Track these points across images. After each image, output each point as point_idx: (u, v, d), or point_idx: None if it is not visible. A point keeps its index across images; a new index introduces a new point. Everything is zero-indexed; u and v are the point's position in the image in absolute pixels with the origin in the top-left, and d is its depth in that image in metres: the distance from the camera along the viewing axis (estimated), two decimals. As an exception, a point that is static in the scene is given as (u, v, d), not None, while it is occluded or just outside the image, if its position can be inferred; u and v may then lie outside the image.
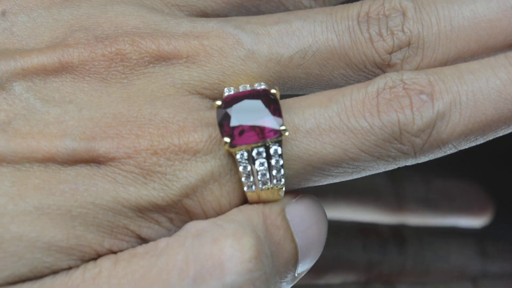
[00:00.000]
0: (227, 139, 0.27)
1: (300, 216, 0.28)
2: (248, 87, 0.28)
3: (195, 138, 0.27)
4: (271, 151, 0.27)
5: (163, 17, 0.29)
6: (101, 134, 0.27)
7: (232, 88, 0.28)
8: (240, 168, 0.27)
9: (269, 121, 0.27)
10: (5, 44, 0.29)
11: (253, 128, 0.27)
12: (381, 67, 0.29)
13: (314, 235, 0.28)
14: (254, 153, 0.27)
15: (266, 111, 0.27)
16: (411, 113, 0.27)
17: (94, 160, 0.27)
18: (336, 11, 0.29)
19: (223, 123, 0.27)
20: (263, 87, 0.28)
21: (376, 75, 0.29)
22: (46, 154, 0.27)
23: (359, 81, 0.29)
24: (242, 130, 0.27)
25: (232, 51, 0.29)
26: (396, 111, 0.27)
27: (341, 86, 0.29)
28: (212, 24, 0.29)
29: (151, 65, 0.28)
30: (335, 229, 0.41)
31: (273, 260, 0.27)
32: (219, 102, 0.28)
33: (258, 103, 0.28)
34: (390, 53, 0.29)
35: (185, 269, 0.26)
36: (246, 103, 0.28)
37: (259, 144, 0.27)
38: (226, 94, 0.28)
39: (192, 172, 0.27)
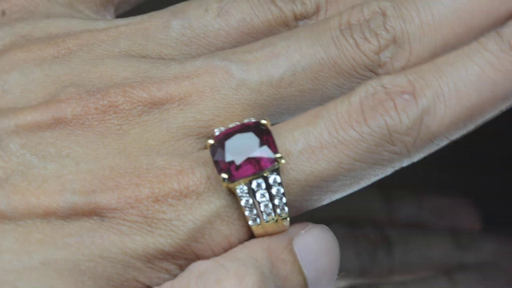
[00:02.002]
0: (224, 175, 0.27)
1: (309, 247, 0.28)
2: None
3: (195, 180, 0.28)
4: (270, 180, 0.28)
5: (152, 64, 0.30)
6: (101, 186, 0.27)
7: (222, 128, 0.29)
8: (242, 202, 0.28)
9: (263, 152, 0.27)
10: None
11: (249, 161, 0.27)
12: (372, 69, 0.29)
13: (324, 265, 0.28)
14: (253, 185, 0.28)
15: (259, 142, 0.28)
16: (397, 114, 0.28)
17: (96, 213, 0.27)
18: (318, 25, 0.30)
19: (218, 160, 0.28)
20: (253, 120, 0.28)
21: (368, 78, 0.29)
22: (47, 210, 0.27)
23: (352, 88, 0.29)
24: (238, 165, 0.27)
25: (223, 83, 0.29)
26: (381, 115, 0.28)
27: (333, 96, 0.29)
28: (200, 62, 0.29)
29: (145, 113, 0.29)
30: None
31: None
32: (211, 141, 0.28)
33: (250, 135, 0.28)
34: (378, 53, 0.29)
35: None
36: (238, 137, 0.28)
37: (257, 175, 0.27)
38: (217, 133, 0.28)
39: (197, 214, 0.27)
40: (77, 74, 0.29)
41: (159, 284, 0.27)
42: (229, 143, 0.28)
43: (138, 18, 0.31)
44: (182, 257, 0.28)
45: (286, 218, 0.28)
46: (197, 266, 0.27)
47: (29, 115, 0.28)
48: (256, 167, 0.27)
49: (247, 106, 0.29)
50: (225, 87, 0.29)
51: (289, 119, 0.29)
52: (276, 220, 0.28)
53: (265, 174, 0.28)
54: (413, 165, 0.29)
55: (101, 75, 0.29)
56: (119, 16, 0.33)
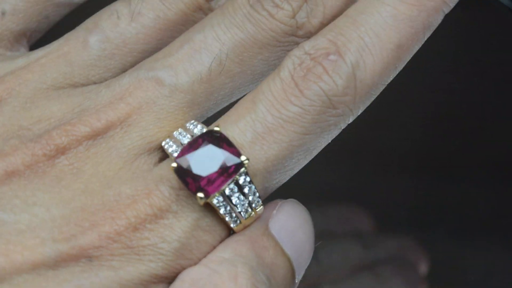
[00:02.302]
0: (200, 195, 0.27)
1: (284, 225, 0.28)
2: (184, 133, 0.28)
3: (165, 200, 0.27)
4: (241, 182, 0.27)
5: (84, 95, 0.29)
6: (78, 229, 0.27)
7: (169, 140, 0.28)
8: (221, 211, 0.27)
9: (229, 160, 0.27)
10: None
11: (217, 172, 0.27)
12: (292, 33, 0.29)
13: (302, 238, 0.28)
14: (227, 192, 0.27)
15: (220, 151, 0.27)
16: (329, 77, 0.28)
17: (83, 255, 0.26)
18: (227, 7, 0.30)
19: (187, 180, 0.27)
20: (199, 127, 0.28)
21: (292, 43, 0.29)
22: (34, 263, 0.26)
23: (279, 57, 0.29)
24: (208, 179, 0.27)
25: (156, 94, 0.29)
26: (315, 82, 0.28)
27: (265, 72, 0.29)
28: (127, 79, 0.29)
29: (92, 147, 0.28)
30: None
31: (271, 282, 0.28)
32: (174, 164, 0.27)
33: (210, 148, 0.27)
34: (294, 17, 0.29)
35: None
36: (200, 153, 0.27)
37: (229, 183, 0.27)
38: (170, 150, 0.28)
39: (179, 232, 0.27)
40: (14, 123, 0.29)
41: None
42: (193, 161, 0.27)
43: (55, 45, 0.30)
44: (175, 276, 0.27)
45: (260, 208, 0.28)
46: (188, 275, 0.27)
47: None
48: (226, 177, 0.27)
49: (186, 109, 0.29)
50: (160, 97, 0.29)
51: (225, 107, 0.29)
52: (252, 214, 0.28)
53: (235, 180, 0.27)
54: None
55: (38, 120, 0.29)
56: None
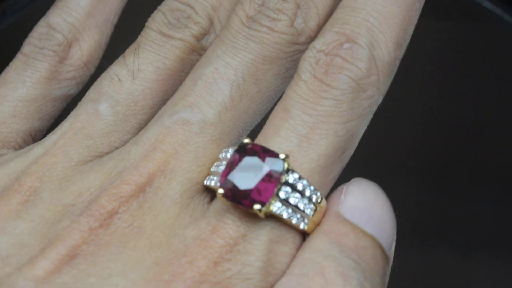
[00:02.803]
0: (257, 207, 0.27)
1: (356, 207, 0.28)
2: (219, 163, 0.28)
3: (232, 227, 0.27)
4: (291, 181, 0.27)
5: (114, 160, 0.29)
6: (161, 284, 0.26)
7: (209, 176, 0.28)
8: (285, 216, 0.27)
9: (268, 163, 0.27)
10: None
11: (263, 181, 0.27)
12: (295, 42, 0.30)
13: (379, 213, 0.28)
14: (282, 195, 0.27)
15: (257, 159, 0.27)
16: (350, 64, 0.28)
17: None
18: (225, 36, 0.30)
19: (239, 200, 0.27)
20: (230, 150, 0.28)
21: (296, 52, 0.30)
22: None
23: (287, 69, 0.30)
24: (258, 189, 0.27)
25: (188, 134, 0.29)
26: (340, 72, 0.28)
27: (278, 86, 0.30)
28: (152, 131, 0.29)
29: (145, 202, 0.28)
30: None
31: (361, 265, 0.27)
32: (221, 191, 0.27)
33: (248, 160, 0.27)
34: (292, 25, 0.30)
35: None
36: (239, 168, 0.27)
37: (279, 186, 0.27)
38: (213, 184, 0.28)
39: (256, 252, 0.27)
40: (57, 205, 0.28)
41: None
42: (236, 179, 0.27)
43: (66, 125, 0.30)
44: None
45: (322, 200, 0.28)
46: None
47: (42, 263, 0.26)
48: (274, 181, 0.27)
49: (219, 141, 0.29)
50: (192, 136, 0.29)
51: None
52: (317, 208, 0.28)
53: (284, 181, 0.27)
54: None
55: (79, 194, 0.28)
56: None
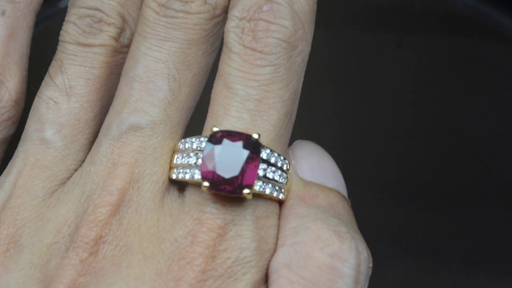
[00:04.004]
0: (246, 191, 0.27)
1: (312, 167, 0.29)
2: (183, 154, 0.29)
3: (217, 216, 0.28)
4: (265, 157, 0.28)
5: (78, 186, 0.29)
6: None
7: (176, 170, 0.29)
8: (267, 192, 0.28)
9: (246, 146, 0.28)
10: None
11: (244, 163, 0.28)
12: (213, 16, 0.30)
13: (330, 166, 0.30)
14: (261, 173, 0.28)
15: (233, 145, 0.28)
16: (276, 25, 0.28)
17: None
18: (143, 30, 0.30)
19: (224, 188, 0.27)
20: (195, 141, 0.29)
21: (215, 25, 0.30)
22: None
23: (211, 44, 0.30)
24: (241, 174, 0.28)
25: (141, 139, 0.29)
26: (268, 36, 0.28)
27: (207, 63, 0.30)
28: (105, 147, 0.29)
29: (123, 219, 0.28)
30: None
31: (342, 220, 0.28)
32: (206, 184, 0.27)
33: (224, 148, 0.28)
34: (206, 2, 0.30)
35: None
36: (219, 159, 0.28)
37: (259, 165, 0.28)
38: (187, 177, 0.28)
39: (247, 233, 0.28)
40: (40, 247, 0.28)
41: None
42: (220, 169, 0.27)
43: (18, 163, 0.30)
44: (266, 272, 0.28)
45: (290, 166, 0.29)
46: (278, 263, 0.28)
47: None
48: (253, 161, 0.28)
49: (172, 134, 0.29)
50: (146, 141, 0.29)
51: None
52: (287, 176, 0.29)
53: (261, 159, 0.28)
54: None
55: (57, 231, 0.28)
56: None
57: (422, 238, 0.41)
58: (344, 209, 0.29)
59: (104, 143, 0.29)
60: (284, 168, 0.29)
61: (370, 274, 0.28)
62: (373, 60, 0.41)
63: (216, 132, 0.28)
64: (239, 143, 0.28)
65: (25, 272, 0.28)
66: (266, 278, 0.28)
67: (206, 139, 0.28)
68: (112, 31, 0.31)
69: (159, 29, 0.30)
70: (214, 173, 0.28)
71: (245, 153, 0.28)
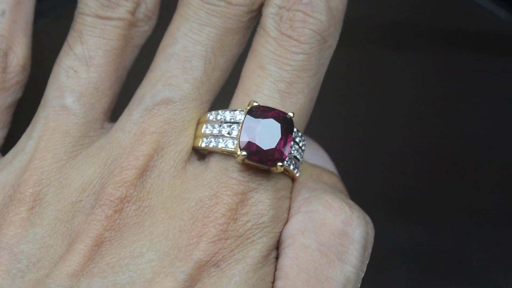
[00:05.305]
0: (280, 164, 0.29)
1: (312, 154, 0.33)
2: (214, 125, 0.30)
3: (242, 183, 0.29)
4: (293, 135, 0.30)
5: (104, 150, 0.30)
6: (191, 248, 0.29)
7: (205, 138, 0.30)
8: (291, 168, 0.30)
9: (282, 123, 0.29)
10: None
11: (281, 139, 0.29)
12: (250, 10, 0.32)
13: (324, 154, 0.33)
14: (291, 151, 0.30)
15: (272, 120, 0.29)
16: (313, 18, 0.31)
17: (210, 266, 0.28)
18: (186, 12, 0.31)
19: (261, 159, 0.29)
20: (228, 113, 0.30)
21: (251, 19, 0.32)
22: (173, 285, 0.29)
23: (244, 35, 0.32)
24: (278, 148, 0.29)
25: (172, 112, 0.30)
26: (304, 27, 0.30)
27: (238, 51, 0.32)
28: (136, 115, 0.30)
29: (146, 182, 0.30)
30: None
31: (343, 193, 0.31)
32: (244, 153, 0.29)
33: (267, 122, 0.29)
34: None
35: None
36: (260, 131, 0.29)
37: (292, 143, 0.30)
38: (220, 146, 0.30)
39: (267, 201, 0.30)
40: (65, 204, 0.29)
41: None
42: (259, 141, 0.29)
43: (39, 127, 0.31)
44: (279, 239, 0.30)
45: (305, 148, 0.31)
46: (292, 228, 0.30)
47: (72, 258, 0.28)
48: (286, 138, 0.29)
49: (200, 110, 0.31)
50: (176, 113, 0.30)
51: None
52: (303, 156, 0.31)
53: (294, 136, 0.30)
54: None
55: (82, 190, 0.30)
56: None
57: (424, 248, 0.42)
58: (344, 189, 0.32)
59: (135, 112, 0.30)
60: (303, 148, 0.31)
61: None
62: (379, 73, 0.43)
63: (256, 106, 0.30)
64: (277, 119, 0.29)
65: (51, 226, 0.29)
66: (277, 245, 0.30)
67: (241, 112, 0.30)
68: (129, 5, 0.32)
69: (201, 14, 0.31)
70: (253, 144, 0.29)
71: (283, 128, 0.29)
